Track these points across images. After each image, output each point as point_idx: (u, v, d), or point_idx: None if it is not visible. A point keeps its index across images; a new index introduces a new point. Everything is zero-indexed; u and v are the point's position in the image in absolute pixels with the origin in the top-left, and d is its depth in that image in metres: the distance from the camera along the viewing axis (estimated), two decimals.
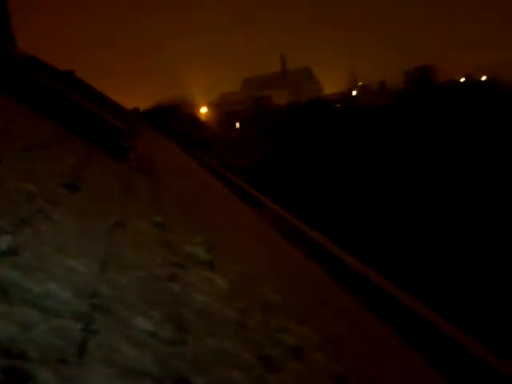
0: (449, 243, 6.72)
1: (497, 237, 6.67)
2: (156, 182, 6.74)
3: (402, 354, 3.91)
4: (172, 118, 49.41)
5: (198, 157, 22.20)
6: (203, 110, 67.86)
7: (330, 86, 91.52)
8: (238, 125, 55.14)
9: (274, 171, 16.44)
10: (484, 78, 44.04)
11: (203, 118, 60.87)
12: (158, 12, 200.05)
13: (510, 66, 51.23)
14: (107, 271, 2.59)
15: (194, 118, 56.11)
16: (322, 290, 4.62)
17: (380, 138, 23.40)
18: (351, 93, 67.96)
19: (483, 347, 3.89)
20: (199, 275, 3.24)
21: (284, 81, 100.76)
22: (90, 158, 5.87)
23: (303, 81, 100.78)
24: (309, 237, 7.28)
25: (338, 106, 53.03)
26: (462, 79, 45.98)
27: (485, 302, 4.81)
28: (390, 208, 9.21)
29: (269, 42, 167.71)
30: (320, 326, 3.47)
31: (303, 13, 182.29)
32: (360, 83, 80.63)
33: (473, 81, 43.85)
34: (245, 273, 3.87)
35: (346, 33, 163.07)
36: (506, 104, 29.49)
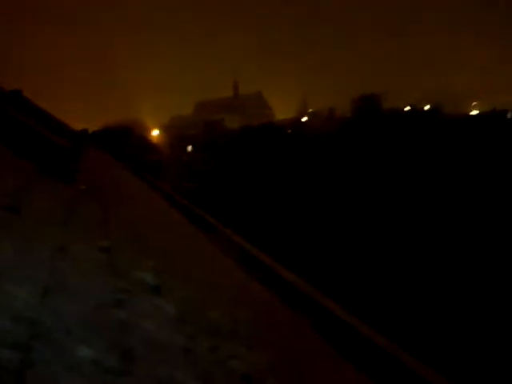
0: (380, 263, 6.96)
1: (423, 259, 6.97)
2: (104, 206, 6.58)
3: (351, 376, 3.94)
4: (123, 140, 48.67)
5: (149, 180, 21.91)
6: (155, 132, 67.23)
7: (282, 112, 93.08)
8: (189, 148, 54.90)
9: (225, 194, 16.45)
10: (428, 106, 46.06)
11: (155, 141, 60.24)
12: (110, 34, 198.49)
13: (454, 94, 54.00)
14: (49, 298, 2.49)
15: (145, 141, 55.45)
16: (271, 313, 4.61)
17: (326, 163, 23.95)
18: (301, 119, 69.28)
19: (432, 371, 3.97)
20: (147, 301, 3.16)
21: (236, 105, 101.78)
22: (34, 179, 5.67)
23: (255, 106, 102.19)
24: (259, 260, 7.28)
25: (288, 131, 53.91)
26: (407, 108, 47.87)
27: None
28: (337, 229, 9.42)
29: (222, 66, 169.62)
30: (270, 350, 3.45)
31: (256, 39, 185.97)
32: (310, 109, 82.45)
33: (417, 109, 45.72)
34: (194, 298, 3.81)
35: (297, 59, 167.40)
36: (448, 131, 30.99)
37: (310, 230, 9.70)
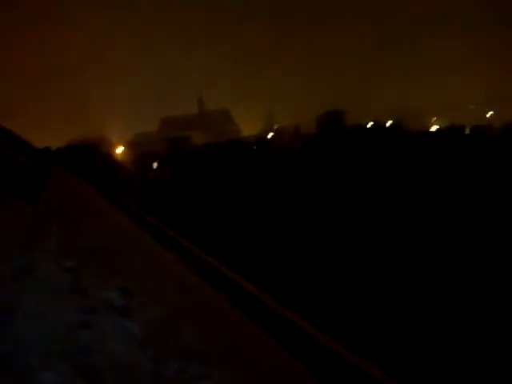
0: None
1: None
2: (68, 225, 6.43)
3: None
4: (87, 157, 47.91)
5: (114, 198, 21.58)
6: (119, 149, 66.47)
7: (248, 128, 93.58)
8: (155, 164, 54.45)
9: (191, 210, 16.35)
10: (390, 122, 47.30)
11: (120, 158, 59.57)
12: (72, 49, 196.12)
13: (413, 110, 55.65)
14: (11, 320, 2.40)
15: (109, 158, 54.77)
16: (241, 333, 4.56)
17: (293, 178, 24.17)
18: (267, 135, 69.94)
19: None
20: (113, 322, 3.08)
21: (202, 122, 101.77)
22: None
23: (221, 122, 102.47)
24: (229, 278, 7.23)
25: (254, 147, 54.31)
26: (370, 124, 49.04)
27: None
28: (300, 246, 9.51)
29: (187, 83, 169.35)
30: (242, 371, 3.41)
31: (221, 56, 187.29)
32: (276, 126, 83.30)
33: (379, 125, 46.89)
34: (163, 318, 3.74)
35: (263, 77, 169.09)
36: (410, 146, 31.88)
37: (277, 245, 9.72)
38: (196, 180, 30.61)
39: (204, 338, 3.60)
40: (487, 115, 79.56)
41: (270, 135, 71.32)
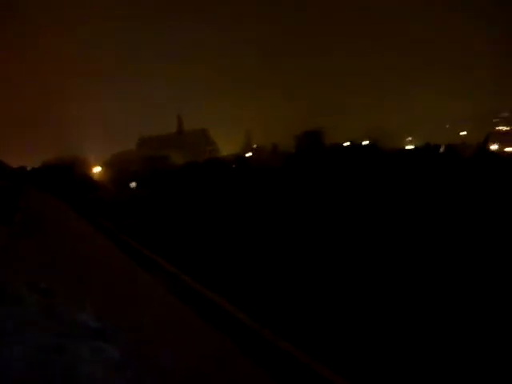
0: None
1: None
2: (43, 246, 6.33)
3: None
4: (63, 177, 47.35)
5: (90, 218, 21.34)
6: (96, 169, 65.95)
7: (227, 148, 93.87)
8: (133, 184, 54.06)
9: (169, 230, 16.24)
10: (366, 142, 48.02)
11: (97, 178, 59.05)
12: (47, 66, 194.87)
13: (388, 131, 56.73)
14: None
15: (86, 178, 54.25)
16: (224, 358, 4.53)
17: (272, 197, 24.25)
18: (246, 154, 70.31)
19: None
20: (89, 345, 3.03)
21: (181, 141, 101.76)
22: None
23: (200, 142, 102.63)
24: (211, 300, 7.18)
25: (233, 166, 54.47)
26: (347, 143, 49.70)
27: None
28: (280, 264, 9.54)
29: (165, 102, 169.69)
30: None
31: (200, 76, 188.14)
32: (255, 145, 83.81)
33: (356, 145, 47.55)
34: (140, 340, 3.70)
35: (241, 97, 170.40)
36: (385, 163, 32.41)
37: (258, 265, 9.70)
38: (175, 200, 30.46)
39: (182, 361, 3.57)
40: (461, 134, 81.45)
41: (248, 154, 71.66)
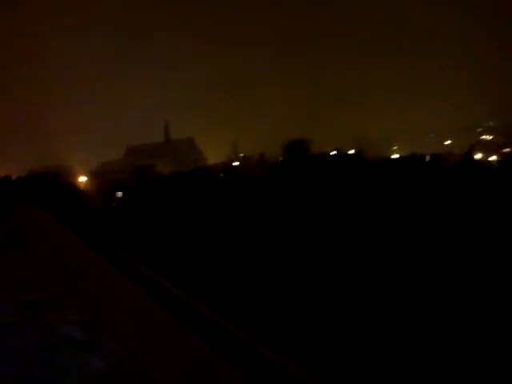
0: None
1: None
2: (28, 257, 6.29)
3: None
4: (49, 187, 46.94)
5: (76, 228, 21.16)
6: (83, 178, 65.44)
7: (214, 157, 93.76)
8: (120, 194, 53.66)
9: (156, 240, 16.17)
10: (352, 151, 48.28)
11: (83, 187, 58.59)
12: (34, 75, 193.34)
13: (374, 141, 57.29)
14: None
15: (73, 187, 53.83)
16: (205, 366, 4.53)
17: (260, 205, 24.30)
18: (233, 163, 70.27)
19: None
20: (74, 357, 3.04)
21: (168, 150, 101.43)
22: None
23: (187, 151, 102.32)
24: (197, 310, 7.17)
25: (221, 175, 54.38)
26: (333, 152, 49.88)
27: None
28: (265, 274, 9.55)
29: (152, 111, 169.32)
30: None
31: (187, 84, 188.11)
32: (242, 154, 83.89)
33: (343, 154, 47.76)
34: (124, 351, 3.70)
35: (228, 106, 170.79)
36: (371, 172, 32.65)
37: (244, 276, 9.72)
38: (162, 210, 30.34)
39: (167, 371, 3.58)
40: (445, 143, 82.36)
41: (236, 163, 71.70)
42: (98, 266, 10.18)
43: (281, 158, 53.11)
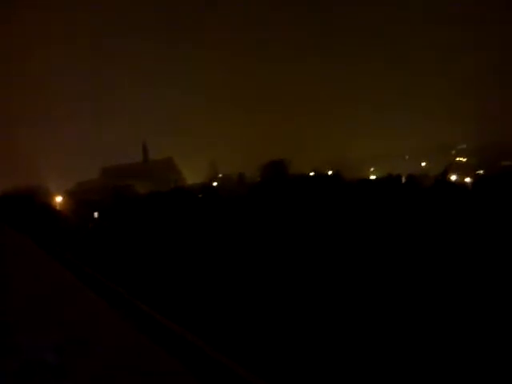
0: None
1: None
2: (1, 280, 6.13)
3: None
4: (24, 207, 46.10)
5: (52, 250, 20.75)
6: (58, 199, 64.48)
7: (193, 177, 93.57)
8: (96, 214, 53.00)
9: (133, 261, 15.98)
10: (330, 172, 48.88)
11: (59, 208, 57.71)
12: (8, 92, 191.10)
13: (351, 162, 58.08)
14: None
15: (48, 208, 52.97)
16: None
17: (239, 225, 24.26)
18: (212, 183, 70.25)
19: None
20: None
21: (146, 171, 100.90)
22: None
23: (165, 171, 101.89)
24: (182, 336, 7.04)
25: (200, 195, 54.17)
26: (312, 173, 50.35)
27: None
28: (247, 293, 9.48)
29: (131, 131, 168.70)
30: None
31: (166, 105, 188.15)
32: (220, 175, 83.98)
33: (321, 174, 48.29)
34: (99, 375, 3.60)
35: (206, 126, 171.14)
36: (348, 192, 33.02)
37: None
38: (139, 231, 30.02)
39: None
40: (422, 164, 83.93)
41: (214, 183, 71.67)
42: (73, 288, 9.97)
43: (259, 179, 53.31)
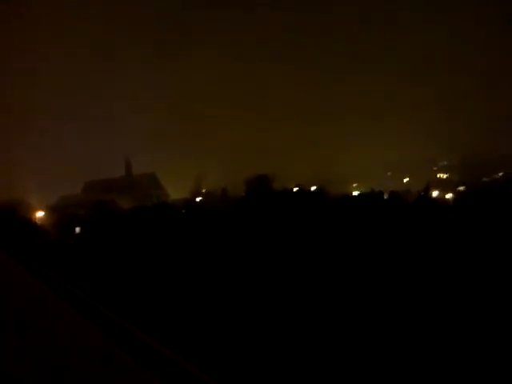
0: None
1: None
2: None
3: None
4: (3, 222, 45.48)
5: (33, 266, 20.43)
6: (40, 213, 63.74)
7: (176, 192, 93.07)
8: (78, 229, 52.45)
9: (118, 277, 15.80)
10: (314, 187, 49.19)
11: (40, 223, 57.04)
12: None
13: (335, 178, 58.53)
14: None
15: (29, 223, 52.32)
16: None
17: (222, 241, 24.19)
18: (195, 199, 70.04)
19: None
20: None
21: (129, 185, 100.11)
22: None
23: (149, 186, 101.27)
24: (169, 358, 6.96)
25: (183, 211, 53.95)
26: (296, 188, 50.57)
27: None
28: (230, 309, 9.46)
29: (114, 146, 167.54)
30: None
31: (149, 120, 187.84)
32: (204, 190, 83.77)
33: (305, 190, 48.53)
34: None
35: (190, 141, 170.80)
36: (332, 209, 33.21)
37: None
38: (123, 246, 29.74)
39: None
40: (404, 180, 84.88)
41: (198, 199, 71.45)
42: (52, 307, 9.81)
43: (243, 194, 53.32)
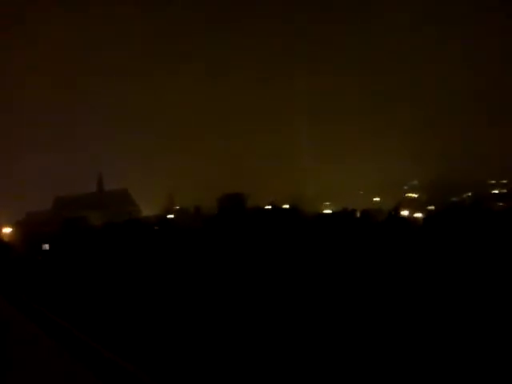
0: None
1: None
2: None
3: None
4: None
5: None
6: (7, 230, 62.24)
7: (149, 209, 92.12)
8: (46, 246, 51.30)
9: (87, 297, 15.49)
10: (287, 206, 49.49)
11: (7, 239, 55.67)
12: None
13: (306, 196, 59.06)
14: None
15: None
16: None
17: (193, 258, 24.05)
18: (167, 215, 69.57)
19: None
20: None
21: (100, 201, 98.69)
22: None
23: (120, 202, 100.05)
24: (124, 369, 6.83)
25: (156, 228, 53.42)
26: (268, 206, 50.74)
27: None
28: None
29: (85, 161, 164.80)
30: None
31: (122, 135, 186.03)
32: (177, 207, 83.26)
33: (277, 208, 48.77)
34: None
35: (163, 157, 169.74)
36: (305, 225, 33.47)
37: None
38: (91, 264, 29.20)
39: None
40: (374, 200, 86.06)
41: (170, 215, 70.96)
42: (23, 329, 9.53)
43: (217, 211, 53.23)
